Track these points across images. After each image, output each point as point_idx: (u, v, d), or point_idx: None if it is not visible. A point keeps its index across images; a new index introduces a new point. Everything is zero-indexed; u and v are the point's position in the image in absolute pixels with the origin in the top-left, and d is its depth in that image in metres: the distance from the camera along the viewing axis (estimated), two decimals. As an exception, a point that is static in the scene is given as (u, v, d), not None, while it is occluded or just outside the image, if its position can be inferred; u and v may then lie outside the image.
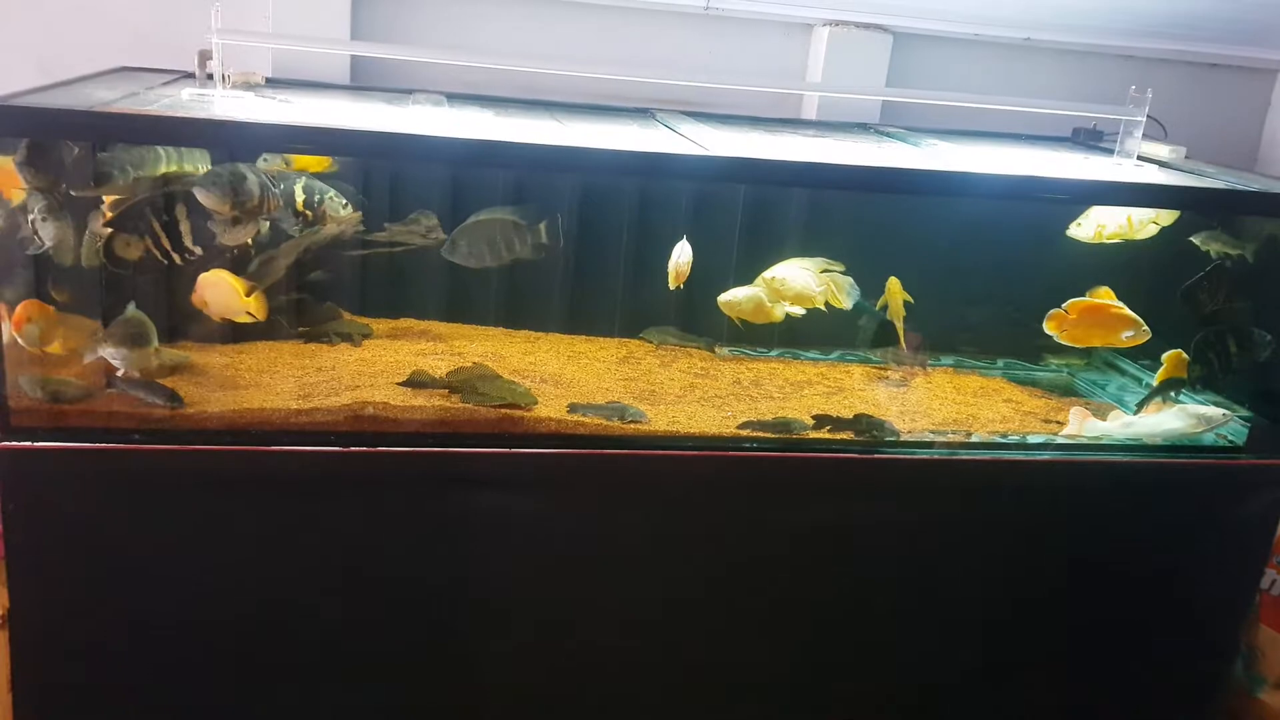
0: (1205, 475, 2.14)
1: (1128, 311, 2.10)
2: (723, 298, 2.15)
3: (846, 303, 2.15)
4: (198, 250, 1.79)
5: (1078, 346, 2.19)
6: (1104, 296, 2.10)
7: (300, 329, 2.11)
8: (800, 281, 2.14)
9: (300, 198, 1.91)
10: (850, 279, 2.15)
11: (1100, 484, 2.08)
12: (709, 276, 2.13)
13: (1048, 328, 2.12)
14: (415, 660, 1.92)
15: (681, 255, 2.06)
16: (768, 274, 2.14)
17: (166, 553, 1.77)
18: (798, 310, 2.15)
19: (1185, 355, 2.16)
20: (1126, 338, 2.11)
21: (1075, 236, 2.18)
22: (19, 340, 1.73)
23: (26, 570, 1.73)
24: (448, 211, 2.09)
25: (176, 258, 1.79)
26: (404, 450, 1.81)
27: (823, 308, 2.15)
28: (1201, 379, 2.16)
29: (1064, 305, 2.10)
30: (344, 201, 1.96)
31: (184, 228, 1.77)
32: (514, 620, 1.94)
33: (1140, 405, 2.22)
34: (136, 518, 1.75)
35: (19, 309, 1.73)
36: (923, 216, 2.18)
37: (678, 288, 2.07)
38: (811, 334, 2.27)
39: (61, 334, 1.78)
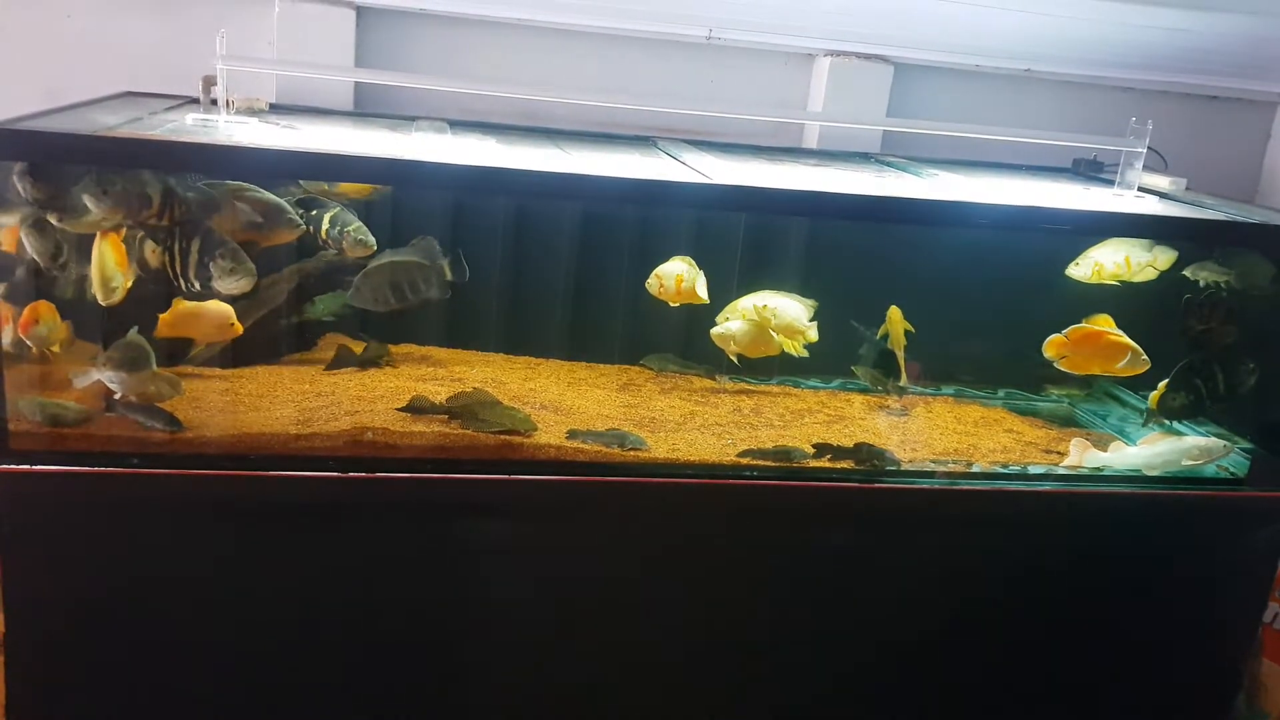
0: (1207, 507, 2.13)
1: (1126, 340, 2.10)
2: (715, 331, 2.15)
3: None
4: (196, 285, 1.80)
5: (1076, 374, 2.19)
6: (1103, 324, 2.10)
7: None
8: (790, 313, 2.13)
9: (325, 227, 1.94)
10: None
11: (1101, 515, 2.08)
12: (712, 303, 2.13)
13: (1047, 353, 2.12)
14: (414, 685, 1.91)
15: (687, 275, 2.07)
16: (748, 303, 2.13)
17: (164, 577, 1.77)
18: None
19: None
20: (1124, 366, 2.11)
21: (1073, 276, 2.19)
22: (27, 341, 1.74)
23: (23, 594, 1.72)
24: (448, 238, 2.10)
25: (182, 283, 1.79)
26: (403, 476, 1.80)
27: (801, 351, 2.16)
28: (1186, 406, 2.16)
29: (1064, 331, 2.10)
30: (365, 241, 1.97)
31: (193, 258, 1.78)
32: (513, 646, 1.93)
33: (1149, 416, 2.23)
34: (134, 542, 1.74)
35: (26, 311, 1.74)
36: (924, 246, 2.18)
37: (680, 305, 2.08)
38: (809, 361, 2.27)
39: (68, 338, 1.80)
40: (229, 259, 1.79)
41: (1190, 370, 2.14)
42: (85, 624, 1.77)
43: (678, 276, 2.09)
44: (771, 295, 2.14)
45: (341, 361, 2.14)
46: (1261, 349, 2.15)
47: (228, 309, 1.89)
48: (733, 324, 2.14)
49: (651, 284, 2.11)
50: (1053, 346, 2.11)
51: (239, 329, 1.92)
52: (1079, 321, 2.10)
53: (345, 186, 2.01)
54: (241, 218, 1.83)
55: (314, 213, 1.95)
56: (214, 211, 1.82)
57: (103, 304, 1.77)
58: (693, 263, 2.10)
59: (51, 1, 2.25)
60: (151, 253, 1.80)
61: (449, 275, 2.00)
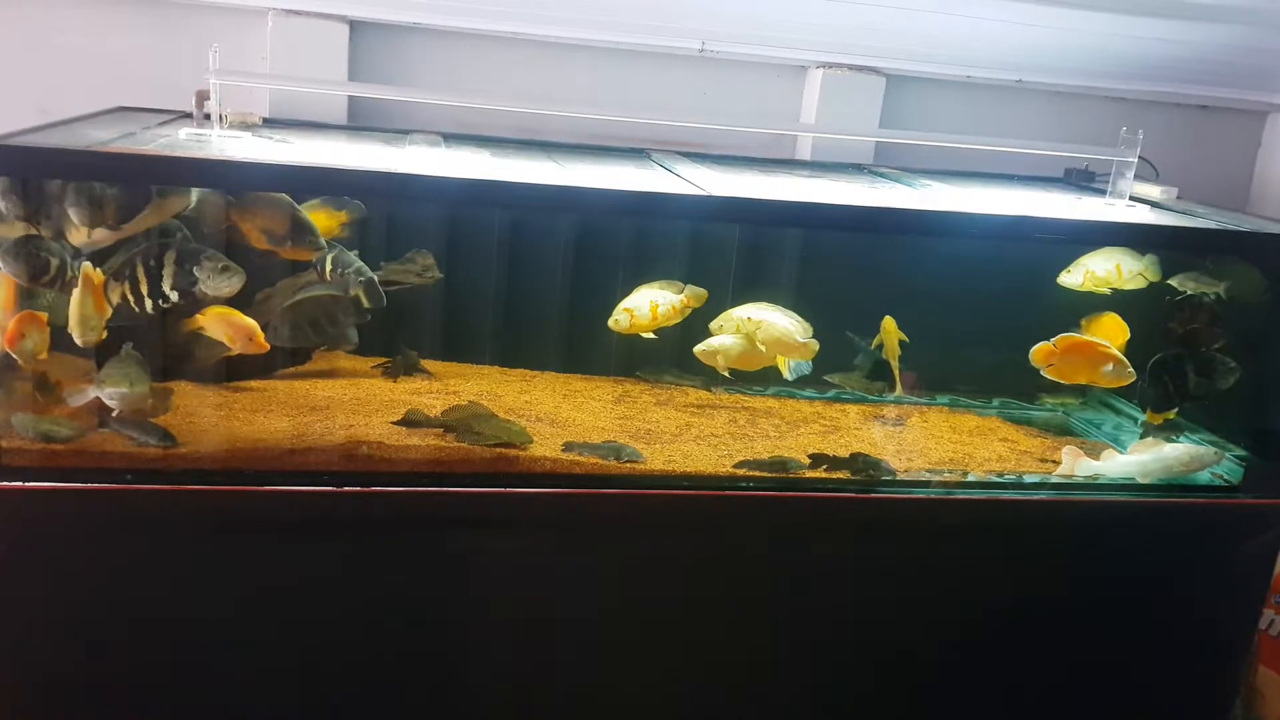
0: (1201, 515, 2.13)
1: (1114, 351, 2.10)
2: (699, 348, 2.14)
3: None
4: (173, 297, 1.79)
5: (1063, 382, 2.19)
6: (1110, 322, 2.12)
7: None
8: (779, 328, 2.12)
9: (329, 268, 2.03)
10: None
11: (1096, 524, 2.08)
12: (705, 316, 2.13)
13: (1034, 360, 2.12)
14: (411, 698, 1.90)
15: (663, 299, 2.06)
16: (739, 314, 2.13)
17: (158, 594, 1.76)
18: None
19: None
20: (1110, 376, 2.12)
21: (1065, 284, 2.20)
22: (14, 356, 1.72)
23: (15, 612, 1.71)
24: (443, 250, 2.10)
25: (150, 305, 1.78)
26: (398, 490, 1.80)
27: (780, 372, 2.16)
28: (1154, 401, 2.17)
29: (1053, 340, 2.11)
30: (364, 279, 2.03)
31: (167, 271, 1.77)
32: (511, 659, 1.92)
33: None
34: (128, 558, 1.73)
35: (13, 323, 1.72)
36: (917, 256, 2.19)
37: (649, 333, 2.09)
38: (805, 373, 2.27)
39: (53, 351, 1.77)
40: (216, 259, 1.78)
41: (1161, 366, 2.16)
42: (79, 640, 1.75)
43: (653, 304, 2.08)
44: (763, 309, 2.13)
45: (394, 371, 2.18)
46: (1252, 356, 2.15)
47: (254, 324, 1.89)
48: (715, 340, 2.13)
49: (621, 319, 2.08)
50: (1041, 354, 2.12)
51: (265, 345, 1.90)
52: (1072, 329, 2.11)
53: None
54: (257, 226, 1.86)
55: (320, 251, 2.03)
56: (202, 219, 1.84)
57: (80, 343, 1.74)
58: (672, 283, 2.10)
59: (44, 18, 2.25)
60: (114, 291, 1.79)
61: (366, 303, 2.03)
